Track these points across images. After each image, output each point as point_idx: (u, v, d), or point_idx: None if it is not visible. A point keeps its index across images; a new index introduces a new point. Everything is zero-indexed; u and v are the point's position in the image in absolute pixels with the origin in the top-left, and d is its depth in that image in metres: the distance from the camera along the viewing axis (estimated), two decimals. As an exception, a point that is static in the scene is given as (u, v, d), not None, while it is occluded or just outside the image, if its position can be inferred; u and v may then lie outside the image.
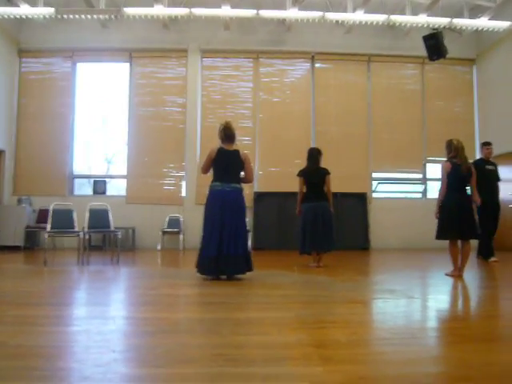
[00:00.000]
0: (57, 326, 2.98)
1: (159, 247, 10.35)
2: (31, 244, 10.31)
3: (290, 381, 1.95)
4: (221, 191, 5.21)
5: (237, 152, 5.33)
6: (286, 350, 2.39)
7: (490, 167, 7.69)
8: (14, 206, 10.43)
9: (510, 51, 10.32)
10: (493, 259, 7.50)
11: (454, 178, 5.55)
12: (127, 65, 11.44)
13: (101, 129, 12.15)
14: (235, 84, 11.43)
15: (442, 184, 5.69)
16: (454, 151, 5.64)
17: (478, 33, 11.18)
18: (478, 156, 11.15)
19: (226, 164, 5.27)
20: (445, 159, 5.81)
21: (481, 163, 7.70)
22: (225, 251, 5.03)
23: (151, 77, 11.42)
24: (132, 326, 3.08)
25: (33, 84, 11.36)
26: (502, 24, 10.14)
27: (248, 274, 5.33)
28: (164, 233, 10.45)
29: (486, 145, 7.92)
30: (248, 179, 5.45)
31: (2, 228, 9.95)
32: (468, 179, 5.62)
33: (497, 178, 7.75)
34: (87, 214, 7.25)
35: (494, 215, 7.64)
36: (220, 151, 5.29)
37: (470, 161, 6.00)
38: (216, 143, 5.45)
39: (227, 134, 5.35)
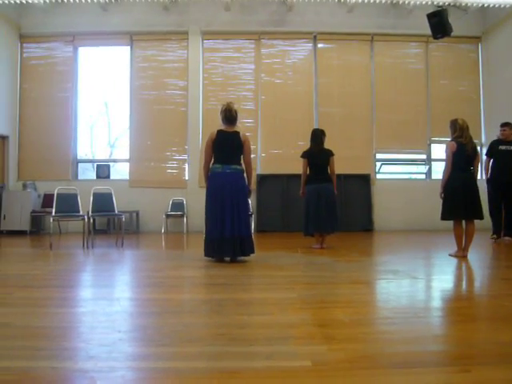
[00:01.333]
0: (62, 307, 3.01)
1: (163, 230, 10.39)
2: (37, 228, 10.38)
3: (293, 359, 1.97)
4: (221, 173, 5.21)
5: (237, 134, 5.31)
6: (288, 330, 2.41)
7: (503, 147, 7.70)
8: (20, 191, 10.47)
9: (516, 29, 10.19)
10: (494, 237, 7.74)
11: (460, 158, 5.50)
12: (128, 48, 11.36)
13: (103, 113, 12.12)
14: (237, 66, 11.33)
15: (446, 164, 5.64)
16: (459, 131, 5.58)
17: (484, 10, 11.01)
18: (483, 135, 11.17)
19: (226, 146, 5.25)
20: (449, 139, 5.77)
21: (494, 143, 7.94)
22: (227, 233, 5.05)
23: (152, 60, 11.33)
24: (137, 307, 3.11)
25: (35, 69, 11.30)
26: (508, 0, 9.96)
27: (251, 255, 5.35)
28: (168, 216, 10.49)
29: (500, 126, 7.89)
30: (246, 161, 5.41)
31: (8, 213, 10.00)
32: (473, 159, 5.58)
33: None
34: (91, 198, 7.28)
35: (508, 193, 7.66)
36: (220, 133, 5.28)
37: (476, 141, 6.03)
38: (218, 125, 5.43)
39: (227, 116, 5.32)
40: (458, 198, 5.43)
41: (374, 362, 1.95)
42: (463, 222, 5.57)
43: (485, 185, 7.83)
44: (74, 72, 11.33)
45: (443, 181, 5.64)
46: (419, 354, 2.06)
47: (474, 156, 5.57)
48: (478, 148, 9.11)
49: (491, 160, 7.86)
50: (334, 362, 1.94)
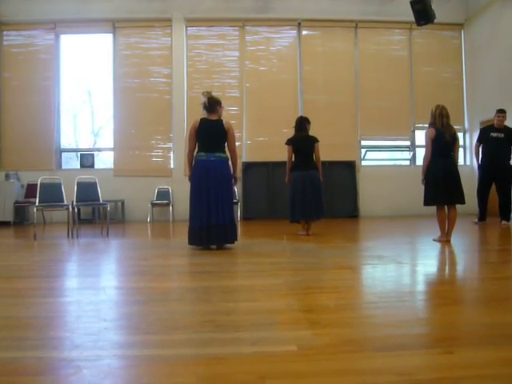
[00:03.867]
0: (47, 297, 2.99)
1: (149, 219, 10.36)
2: (21, 219, 10.26)
3: (279, 344, 1.98)
4: (205, 161, 5.21)
5: (220, 122, 5.32)
6: (274, 315, 2.43)
7: (495, 134, 7.88)
8: (2, 181, 10.32)
9: (499, 15, 10.23)
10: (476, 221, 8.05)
11: (439, 144, 5.56)
12: (111, 36, 11.19)
13: (87, 102, 11.98)
14: (221, 53, 11.25)
15: (426, 150, 5.72)
16: (432, 117, 5.67)
17: (467, -4, 11.06)
18: (466, 121, 11.27)
19: (210, 134, 5.25)
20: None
21: (486, 130, 8.16)
22: (213, 221, 5.06)
23: (135, 47, 11.20)
24: (123, 296, 3.10)
25: (15, 57, 11.08)
26: (490, -13, 10.02)
27: (237, 243, 5.38)
28: (153, 205, 10.45)
29: (497, 112, 8.01)
30: (230, 148, 5.42)
31: (-9, 204, 9.88)
32: (452, 145, 5.63)
33: (505, 145, 7.87)
34: (75, 188, 7.21)
35: (501, 179, 7.87)
36: (203, 121, 5.29)
37: (459, 126, 6.13)
38: (202, 114, 5.42)
39: (205, 103, 5.34)
40: (439, 184, 5.49)
41: (359, 346, 1.97)
42: (446, 207, 5.63)
43: (468, 172, 7.97)
44: (55, 60, 11.14)
45: (423, 167, 5.71)
46: (403, 336, 2.09)
47: (453, 142, 5.62)
48: (461, 134, 9.23)
49: (481, 146, 8.02)
50: (319, 346, 1.95)
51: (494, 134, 7.88)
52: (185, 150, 9.20)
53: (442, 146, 5.56)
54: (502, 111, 7.93)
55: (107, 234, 7.14)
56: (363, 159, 11.42)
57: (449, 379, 1.61)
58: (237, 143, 5.64)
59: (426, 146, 5.72)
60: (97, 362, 1.81)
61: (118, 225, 9.56)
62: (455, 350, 1.88)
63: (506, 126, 7.96)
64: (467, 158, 11.35)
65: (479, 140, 8.13)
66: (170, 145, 11.07)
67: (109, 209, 7.52)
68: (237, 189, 9.92)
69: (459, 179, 5.58)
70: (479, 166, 8.06)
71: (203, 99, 5.36)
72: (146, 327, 2.26)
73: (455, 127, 5.86)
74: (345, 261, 4.39)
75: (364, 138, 11.41)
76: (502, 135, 7.83)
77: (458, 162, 5.78)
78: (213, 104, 5.34)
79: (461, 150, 6.71)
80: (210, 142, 5.24)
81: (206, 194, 5.12)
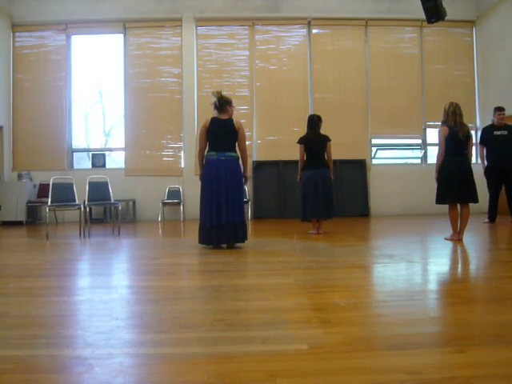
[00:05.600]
0: (60, 296, 3.02)
1: (160, 218, 10.40)
2: (33, 219, 10.36)
3: (289, 343, 1.98)
4: (216, 160, 5.23)
5: (231, 121, 5.34)
6: (285, 314, 2.43)
7: (498, 132, 7.76)
8: (15, 181, 10.44)
9: (511, 12, 10.13)
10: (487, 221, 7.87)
11: (452, 142, 5.51)
12: (121, 36, 11.25)
13: (98, 102, 12.05)
14: (231, 52, 11.26)
15: (439, 148, 5.67)
16: (445, 115, 5.63)
17: (478, -7, 10.96)
18: (478, 119, 11.18)
19: (220, 133, 5.26)
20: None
21: (489, 129, 8.00)
22: (223, 220, 5.08)
23: (146, 47, 11.24)
24: (134, 295, 3.12)
25: (27, 58, 11.19)
26: (501, -16, 9.92)
27: (248, 242, 5.39)
28: (164, 204, 10.49)
29: (496, 110, 7.91)
30: (241, 147, 5.43)
31: (4, 204, 9.96)
32: (466, 143, 5.58)
33: (511, 142, 7.72)
34: (87, 187, 7.27)
35: (507, 178, 7.72)
36: (213, 120, 5.31)
37: (471, 124, 6.06)
38: (213, 113, 5.44)
39: (216, 103, 5.37)
40: (452, 182, 5.45)
41: (370, 345, 1.97)
42: (458, 205, 5.59)
43: (481, 170, 7.83)
44: (67, 61, 11.23)
45: (437, 165, 5.67)
46: (415, 335, 2.08)
47: (466, 141, 5.57)
48: (473, 132, 9.14)
49: (484, 147, 7.89)
50: (330, 345, 1.95)
51: (497, 133, 7.77)
52: (195, 149, 9.22)
53: (456, 144, 5.51)
54: (501, 109, 7.85)
55: (118, 233, 7.18)
56: (374, 158, 11.36)
57: (460, 378, 1.60)
58: (247, 142, 5.64)
59: (439, 145, 5.67)
60: (109, 360, 1.83)
61: (130, 224, 9.61)
62: (467, 349, 1.87)
63: (506, 124, 7.85)
64: (479, 160, 11.24)
65: (482, 141, 7.96)
66: (180, 144, 11.10)
67: (120, 208, 7.57)
68: (247, 188, 9.94)
69: (472, 178, 5.53)
70: (486, 169, 7.83)
71: (214, 99, 5.39)
72: (157, 326, 2.28)
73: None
74: (355, 260, 4.38)
75: (375, 137, 11.35)
76: (506, 132, 7.73)
77: (471, 161, 5.72)
78: (223, 103, 5.35)
79: (474, 148, 6.68)
80: (221, 141, 5.26)
81: (216, 193, 5.13)
